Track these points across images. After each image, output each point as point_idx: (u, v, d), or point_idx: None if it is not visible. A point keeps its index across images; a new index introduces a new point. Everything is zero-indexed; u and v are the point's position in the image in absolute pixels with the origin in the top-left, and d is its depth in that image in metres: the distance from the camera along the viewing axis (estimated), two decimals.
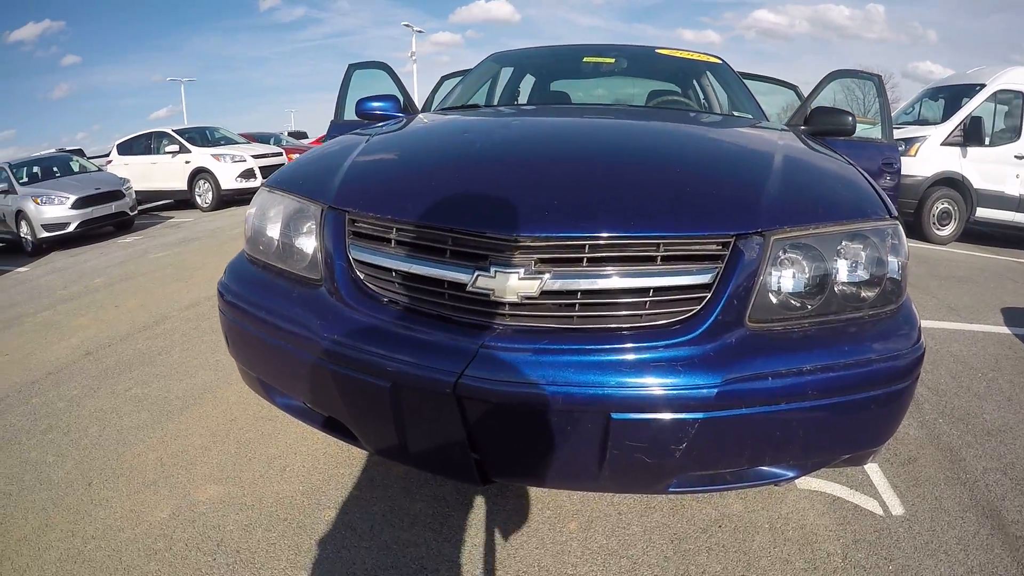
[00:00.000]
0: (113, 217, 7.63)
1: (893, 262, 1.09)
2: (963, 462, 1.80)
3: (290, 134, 16.60)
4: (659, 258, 0.99)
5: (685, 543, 1.42)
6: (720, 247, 1.01)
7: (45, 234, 6.98)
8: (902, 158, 4.11)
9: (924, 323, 1.95)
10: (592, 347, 0.95)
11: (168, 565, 1.42)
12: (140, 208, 8.85)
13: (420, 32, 28.39)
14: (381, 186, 1.25)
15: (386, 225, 1.12)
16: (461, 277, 1.02)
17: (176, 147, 9.25)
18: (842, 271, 1.07)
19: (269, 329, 1.21)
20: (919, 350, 1.08)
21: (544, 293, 0.98)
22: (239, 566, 1.40)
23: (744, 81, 2.60)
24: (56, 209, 7.01)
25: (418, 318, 1.06)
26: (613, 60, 2.73)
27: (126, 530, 1.57)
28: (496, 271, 0.99)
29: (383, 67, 3.10)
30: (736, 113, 2.40)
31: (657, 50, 2.76)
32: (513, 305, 0.99)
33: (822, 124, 2.02)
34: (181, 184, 9.20)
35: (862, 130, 2.87)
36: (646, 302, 0.99)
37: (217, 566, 1.41)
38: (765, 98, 3.07)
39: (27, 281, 5.59)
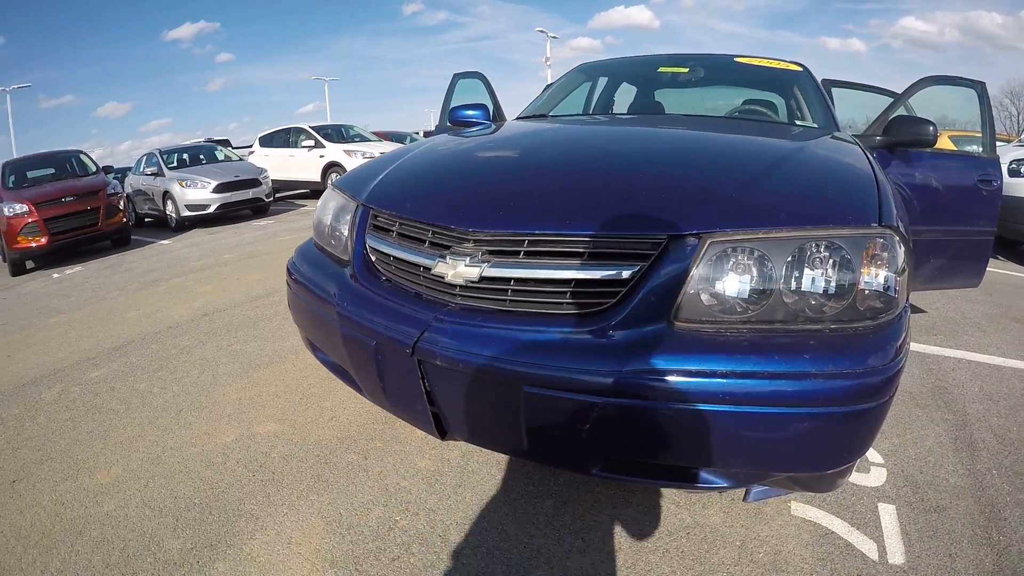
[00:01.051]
0: (250, 202, 8.97)
1: (874, 274, 1.05)
2: (1002, 523, 1.56)
3: (425, 133, 17.94)
4: (586, 254, 1.11)
5: (646, 540, 1.47)
6: (652, 247, 1.08)
7: (187, 213, 8.43)
8: None
9: (1012, 363, 1.89)
10: (516, 327, 1.11)
11: (219, 473, 1.84)
12: (277, 196, 10.29)
13: (555, 38, 29.84)
14: (397, 189, 1.53)
15: (392, 219, 1.42)
16: (428, 262, 1.26)
17: (312, 142, 10.56)
18: (794, 279, 1.06)
19: (311, 296, 1.56)
20: (885, 373, 1.00)
21: (484, 279, 1.17)
22: (269, 483, 1.77)
23: (825, 90, 2.64)
24: (198, 192, 8.42)
25: (401, 294, 1.32)
26: (688, 70, 2.79)
27: (197, 446, 2.03)
28: (450, 258, 1.21)
29: (480, 77, 3.43)
30: (799, 122, 2.39)
31: (736, 59, 2.82)
32: (461, 287, 1.20)
33: (899, 135, 2.02)
34: (315, 176, 10.17)
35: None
36: (567, 292, 1.12)
37: (254, 480, 1.79)
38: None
39: (168, 252, 6.88)
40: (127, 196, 10.05)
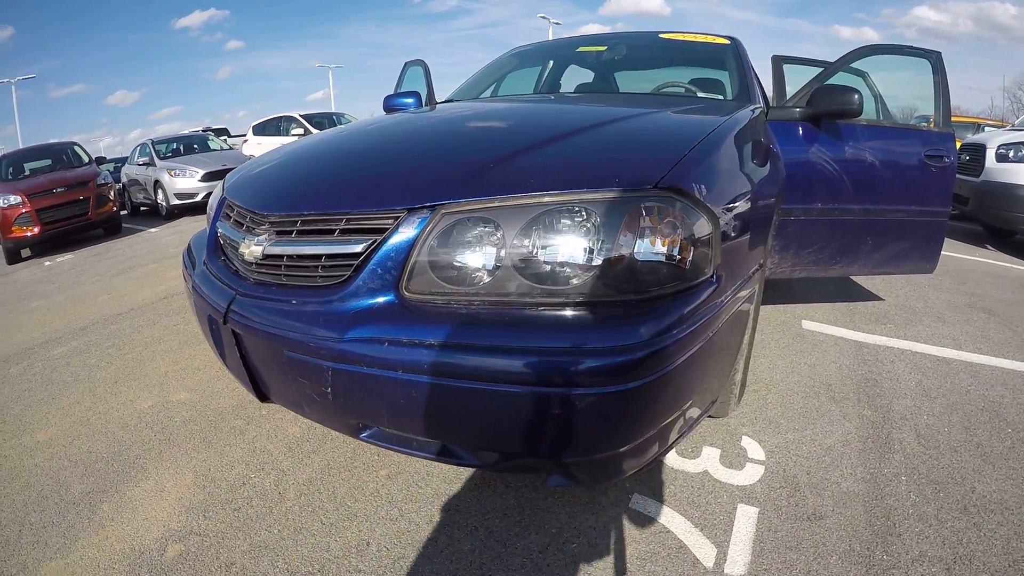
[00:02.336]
0: None
1: (649, 241, 1.01)
2: (893, 539, 1.40)
3: None
4: (337, 231, 1.19)
5: (458, 516, 1.54)
6: (390, 221, 1.13)
7: (176, 201, 9.03)
8: None
9: (980, 359, 2.23)
10: (284, 298, 1.25)
11: (130, 433, 2.25)
12: None
13: (558, 24, 30.63)
14: (246, 181, 1.69)
15: (232, 206, 1.59)
16: (239, 242, 1.43)
17: (301, 130, 10.93)
18: (528, 248, 1.04)
19: (185, 275, 1.81)
20: (642, 351, 0.95)
21: (267, 256, 1.31)
22: (165, 442, 2.17)
23: (776, 66, 2.69)
24: (187, 181, 9.00)
25: (228, 272, 1.51)
26: (606, 48, 2.96)
27: (119, 411, 2.46)
28: (247, 238, 1.38)
29: (421, 64, 3.69)
30: (706, 95, 2.47)
31: (661, 35, 2.93)
32: (255, 264, 1.36)
33: (823, 105, 2.02)
34: None
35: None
36: (318, 266, 1.23)
37: (155, 439, 2.20)
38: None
39: (152, 240, 7.44)
40: (123, 185, 10.72)
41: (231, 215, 1.62)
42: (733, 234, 1.23)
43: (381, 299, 1.10)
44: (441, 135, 1.71)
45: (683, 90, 2.59)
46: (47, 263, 6.77)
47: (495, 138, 1.49)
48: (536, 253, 1.03)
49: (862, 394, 2.16)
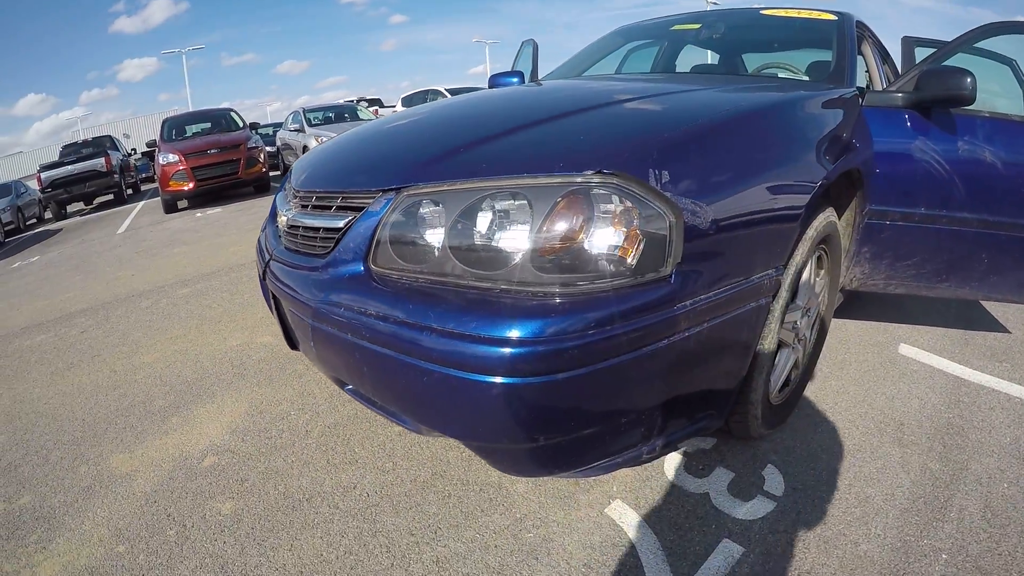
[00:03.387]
0: None
1: (572, 231, 0.99)
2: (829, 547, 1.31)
3: None
4: (334, 207, 1.35)
5: (439, 480, 1.62)
6: (370, 200, 1.25)
7: None
8: None
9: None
10: (295, 262, 1.44)
11: (214, 364, 2.65)
12: None
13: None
14: (305, 163, 1.81)
15: (288, 185, 1.85)
16: (280, 211, 1.66)
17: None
18: (461, 231, 1.08)
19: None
20: (550, 345, 0.93)
21: (290, 225, 1.52)
22: (238, 375, 2.51)
23: (907, 48, 2.40)
24: None
25: (274, 234, 1.74)
26: (699, 26, 2.86)
27: (212, 346, 2.89)
28: (282, 208, 1.62)
29: (531, 43, 3.83)
30: (788, 76, 2.32)
31: (762, 11, 2.74)
32: (285, 231, 1.58)
33: (931, 90, 1.75)
34: None
35: None
36: (317, 237, 1.39)
37: (230, 372, 2.55)
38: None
39: None
40: (277, 148, 12.09)
41: (285, 187, 1.86)
42: (715, 231, 1.08)
43: (353, 270, 1.22)
44: (447, 120, 1.72)
45: (778, 71, 2.47)
46: (198, 215, 7.93)
47: (482, 123, 1.52)
48: (473, 237, 1.07)
49: (937, 442, 1.74)
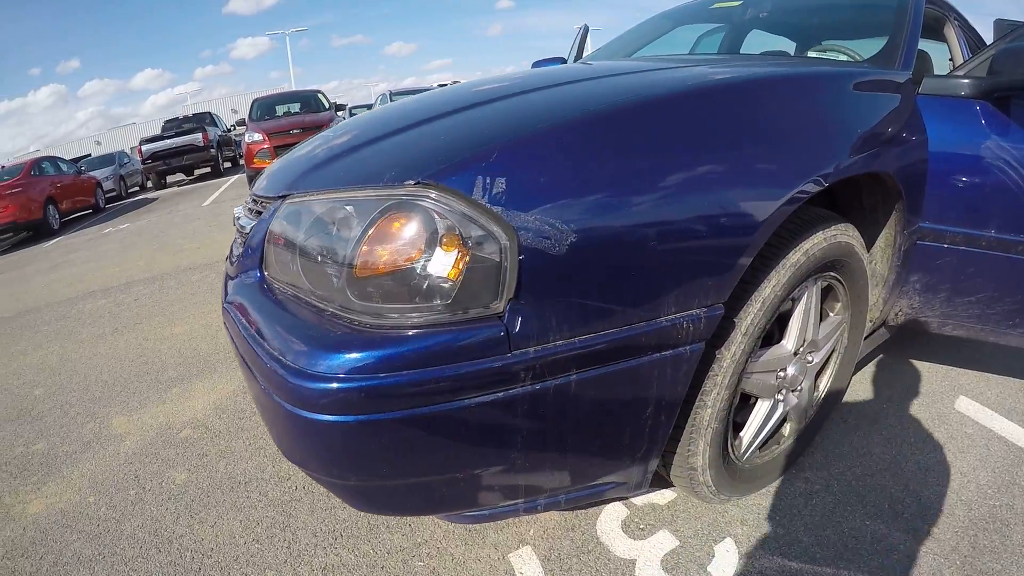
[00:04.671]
0: None
1: (381, 253, 0.91)
2: None
3: None
4: (256, 212, 1.33)
5: (315, 486, 1.69)
6: (269, 206, 1.24)
7: None
8: None
9: None
10: (233, 266, 1.38)
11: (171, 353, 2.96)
12: None
13: None
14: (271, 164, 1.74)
15: None
16: None
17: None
18: (304, 245, 1.06)
19: None
20: (325, 383, 0.87)
21: (240, 227, 1.42)
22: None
23: (1000, 31, 2.00)
24: None
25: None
26: (739, 3, 2.79)
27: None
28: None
29: (584, 28, 3.95)
30: (835, 55, 2.09)
31: None
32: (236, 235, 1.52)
33: (1010, 75, 1.49)
34: None
35: None
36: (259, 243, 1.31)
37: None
38: None
39: None
40: None
41: None
42: (580, 259, 0.92)
43: (254, 276, 1.23)
44: (365, 122, 1.59)
45: (832, 53, 2.23)
46: None
47: (379, 126, 1.40)
48: (314, 252, 1.03)
49: (967, 540, 1.36)
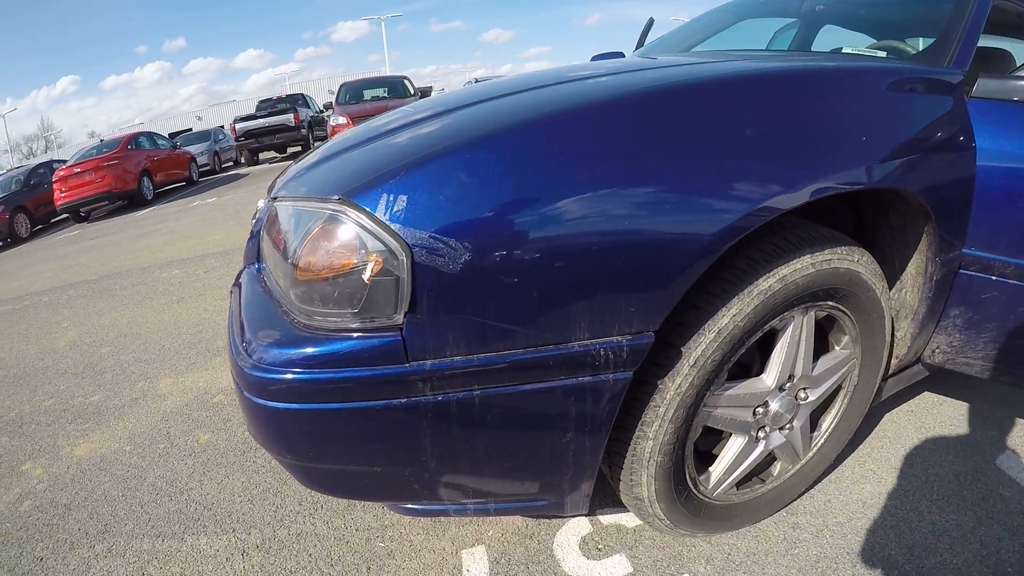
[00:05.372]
0: None
1: (310, 261, 1.00)
2: None
3: None
4: None
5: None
6: (265, 207, 1.40)
7: None
8: None
9: None
10: (247, 261, 1.54)
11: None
12: None
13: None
14: None
15: None
16: None
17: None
18: (275, 249, 1.18)
19: None
20: (256, 372, 1.02)
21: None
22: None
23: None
24: None
25: None
26: None
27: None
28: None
29: (650, 21, 4.00)
30: (883, 51, 1.87)
31: None
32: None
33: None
34: None
35: None
36: None
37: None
38: None
39: None
40: None
41: None
42: (478, 277, 0.95)
43: (256, 266, 1.41)
44: (365, 125, 1.66)
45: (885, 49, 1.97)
46: None
47: (354, 136, 1.46)
48: (278, 252, 1.14)
49: None
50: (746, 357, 1.30)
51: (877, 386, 1.52)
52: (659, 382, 1.12)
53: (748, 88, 1.22)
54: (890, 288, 1.49)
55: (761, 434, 1.35)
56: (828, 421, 1.50)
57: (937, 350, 1.60)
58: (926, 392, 1.98)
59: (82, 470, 2.01)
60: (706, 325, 1.11)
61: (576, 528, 1.49)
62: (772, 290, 1.14)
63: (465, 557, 1.43)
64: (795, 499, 1.51)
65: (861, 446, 1.73)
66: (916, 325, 1.51)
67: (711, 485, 1.34)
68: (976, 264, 1.41)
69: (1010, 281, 1.38)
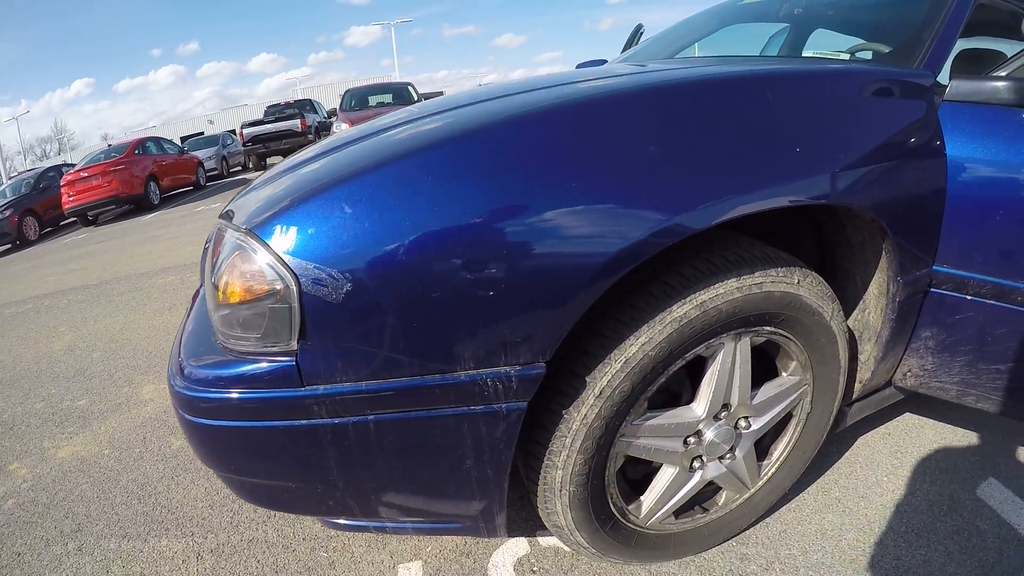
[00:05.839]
0: None
1: (224, 288, 1.06)
2: None
3: None
4: None
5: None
6: None
7: None
8: None
9: None
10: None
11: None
12: None
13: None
14: None
15: None
16: None
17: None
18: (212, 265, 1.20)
19: None
20: (185, 392, 1.10)
21: None
22: None
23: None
24: None
25: None
26: None
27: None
28: None
29: (639, 27, 4.12)
30: (849, 55, 1.96)
31: None
32: None
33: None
34: None
35: None
36: None
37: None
38: None
39: None
40: None
41: None
42: (359, 307, 0.97)
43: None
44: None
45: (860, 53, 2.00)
46: None
47: (286, 163, 1.55)
48: (209, 277, 1.19)
49: None
50: (676, 384, 1.29)
51: (835, 413, 1.46)
52: (564, 412, 1.11)
53: (656, 99, 1.17)
54: (852, 309, 1.45)
55: (697, 464, 1.31)
56: (780, 450, 1.44)
57: (909, 373, 1.51)
58: (907, 413, 1.90)
59: (63, 472, 2.16)
60: (612, 355, 1.09)
61: (514, 549, 1.52)
62: (688, 318, 1.10)
63: (402, 571, 1.50)
64: (745, 529, 1.47)
65: (828, 472, 1.66)
66: (880, 348, 1.43)
67: (642, 514, 1.31)
68: (948, 283, 1.33)
69: (987, 301, 1.29)
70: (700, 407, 1.25)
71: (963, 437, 1.77)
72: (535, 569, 1.45)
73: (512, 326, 1.00)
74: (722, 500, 1.41)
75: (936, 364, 1.45)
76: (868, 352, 1.45)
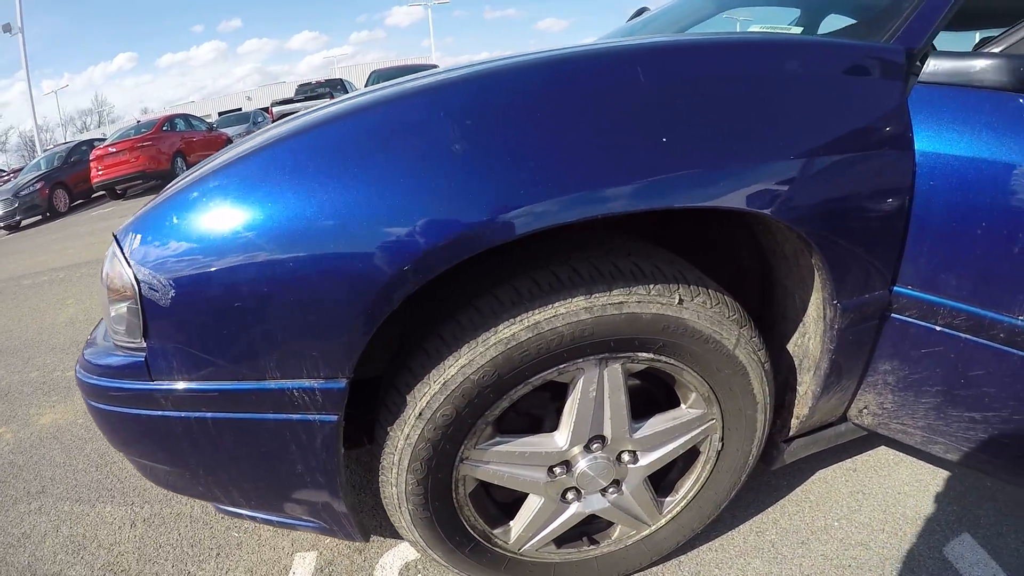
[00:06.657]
0: None
1: (105, 279, 1.13)
2: None
3: None
4: None
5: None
6: None
7: None
8: None
9: None
10: None
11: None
12: None
13: None
14: None
15: None
16: None
17: None
18: None
19: None
20: (88, 376, 1.20)
21: None
22: None
23: None
24: None
25: None
26: None
27: None
28: None
29: (643, 8, 4.17)
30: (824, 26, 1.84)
31: None
32: None
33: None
34: None
35: None
36: None
37: None
38: None
39: None
40: None
41: None
42: (185, 312, 1.01)
43: None
44: None
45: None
46: None
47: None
48: None
49: None
50: (540, 409, 1.25)
51: (757, 453, 1.32)
52: (389, 429, 1.10)
53: (471, 89, 1.03)
54: (792, 333, 1.29)
55: (571, 495, 1.24)
56: (686, 488, 1.33)
57: (865, 410, 1.32)
58: (883, 447, 1.67)
59: (41, 437, 2.37)
60: (431, 375, 1.04)
61: (404, 553, 1.54)
62: (517, 340, 1.01)
63: (297, 560, 1.59)
64: (645, 567, 1.39)
65: (769, 509, 1.50)
66: (818, 383, 1.23)
67: (511, 540, 1.27)
68: (913, 308, 1.12)
69: (960, 335, 1.09)
70: (561, 437, 1.17)
71: (943, 481, 1.53)
72: (420, 573, 1.48)
73: (306, 339, 0.99)
74: (615, 534, 1.34)
75: (897, 404, 1.26)
76: (806, 384, 1.26)
